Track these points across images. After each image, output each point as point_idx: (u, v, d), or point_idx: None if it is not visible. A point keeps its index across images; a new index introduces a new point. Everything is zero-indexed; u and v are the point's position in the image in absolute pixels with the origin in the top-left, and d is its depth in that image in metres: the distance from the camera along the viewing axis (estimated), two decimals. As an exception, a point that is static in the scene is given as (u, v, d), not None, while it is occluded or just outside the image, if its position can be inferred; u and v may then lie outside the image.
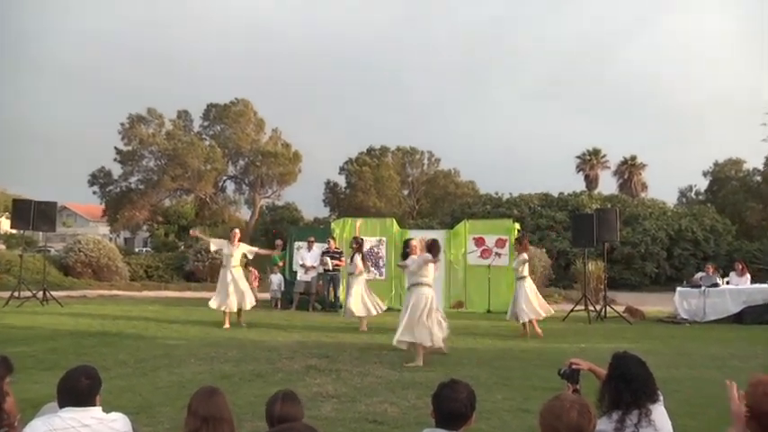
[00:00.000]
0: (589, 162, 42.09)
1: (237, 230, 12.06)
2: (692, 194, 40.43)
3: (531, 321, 10.60)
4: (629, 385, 3.06)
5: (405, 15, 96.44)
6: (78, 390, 2.87)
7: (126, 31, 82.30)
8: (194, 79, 77.41)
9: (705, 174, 39.01)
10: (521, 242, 11.27)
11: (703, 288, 13.18)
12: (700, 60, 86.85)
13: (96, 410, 2.90)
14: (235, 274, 11.37)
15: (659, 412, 3.11)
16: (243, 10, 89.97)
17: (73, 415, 2.81)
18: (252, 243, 34.95)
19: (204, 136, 38.81)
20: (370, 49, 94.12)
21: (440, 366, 7.61)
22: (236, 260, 11.52)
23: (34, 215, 14.77)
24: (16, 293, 14.06)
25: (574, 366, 3.49)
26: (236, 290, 11.26)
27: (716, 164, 38.12)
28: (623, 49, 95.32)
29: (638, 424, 2.98)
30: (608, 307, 13.68)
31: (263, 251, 13.18)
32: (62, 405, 2.88)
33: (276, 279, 15.62)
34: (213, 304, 11.31)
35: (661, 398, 3.21)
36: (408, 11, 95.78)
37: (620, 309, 14.10)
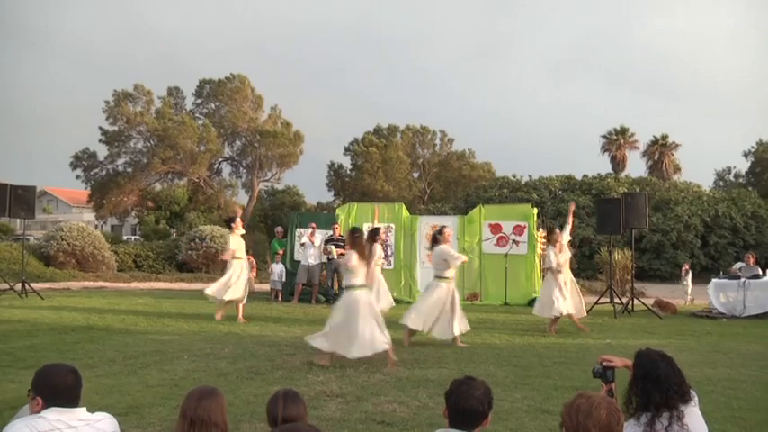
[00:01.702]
0: (616, 142, 41.84)
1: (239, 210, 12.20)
2: (731, 177, 40.29)
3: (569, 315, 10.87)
4: (657, 385, 3.04)
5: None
6: (64, 389, 2.87)
7: None
8: (185, 53, 77.34)
9: (746, 154, 38.85)
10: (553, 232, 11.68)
11: (743, 280, 13.10)
12: (739, 30, 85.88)
13: (82, 411, 2.91)
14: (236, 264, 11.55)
15: (693, 415, 3.08)
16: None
17: (59, 416, 2.81)
18: (249, 230, 35.20)
19: (197, 115, 38.77)
20: (379, 20, 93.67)
21: (453, 363, 7.64)
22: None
23: (11, 200, 14.76)
24: (-8, 286, 14.20)
25: (605, 364, 3.48)
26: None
27: (759, 143, 37.87)
28: (653, 20, 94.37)
29: (669, 427, 2.97)
30: (636, 300, 13.67)
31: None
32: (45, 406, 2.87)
33: (277, 269, 15.68)
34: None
35: (695, 398, 3.19)
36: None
37: (649, 302, 14.07)
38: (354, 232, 8.01)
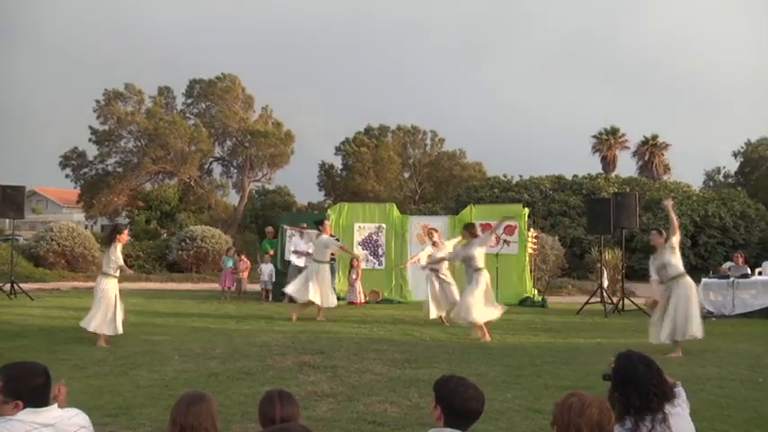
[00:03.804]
0: (606, 142, 41.98)
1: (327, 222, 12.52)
2: (721, 177, 40.47)
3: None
4: (636, 389, 3.04)
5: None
6: (40, 390, 2.89)
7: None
8: (176, 52, 77.08)
9: (735, 154, 39.08)
10: (470, 229, 10.33)
11: (732, 279, 13.17)
12: (730, 30, 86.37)
13: (54, 408, 2.93)
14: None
15: (678, 416, 3.11)
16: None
17: (34, 417, 2.82)
18: (240, 230, 35.04)
19: (188, 114, 38.59)
20: (369, 20, 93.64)
21: (444, 363, 7.63)
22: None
23: (1, 200, 14.78)
24: (-20, 286, 14.16)
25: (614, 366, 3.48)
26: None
27: (748, 143, 38.12)
28: (644, 19, 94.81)
29: (653, 430, 2.99)
30: (626, 299, 13.70)
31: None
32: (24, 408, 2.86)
33: (267, 269, 15.64)
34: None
35: (682, 397, 3.21)
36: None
37: (640, 301, 14.12)
38: None
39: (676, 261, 8.73)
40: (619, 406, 3.08)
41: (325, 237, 11.85)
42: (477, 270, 9.80)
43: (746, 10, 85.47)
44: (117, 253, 9.08)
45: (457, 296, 10.56)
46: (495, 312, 9.83)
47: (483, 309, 9.63)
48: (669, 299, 8.60)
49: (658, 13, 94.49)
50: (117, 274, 9.17)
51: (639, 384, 3.06)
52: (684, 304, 8.49)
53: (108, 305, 8.90)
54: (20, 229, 22.39)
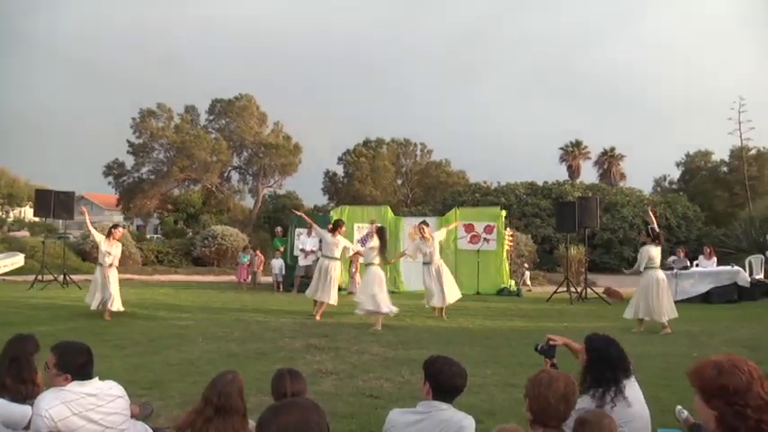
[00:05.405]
0: (571, 153, 42.10)
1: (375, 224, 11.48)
2: (666, 183, 40.60)
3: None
4: (609, 365, 3.14)
5: (398, 15, 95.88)
6: (84, 366, 3.07)
7: (136, 29, 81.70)
8: (201, 76, 76.89)
9: (678, 164, 39.24)
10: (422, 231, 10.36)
11: (675, 270, 13.24)
12: (675, 58, 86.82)
13: (96, 381, 3.10)
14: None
15: (632, 387, 3.18)
16: (246, 11, 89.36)
17: (80, 388, 3.01)
18: (255, 230, 34.89)
19: (210, 129, 38.59)
20: (366, 47, 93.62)
21: (433, 344, 7.61)
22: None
23: (54, 204, 14.83)
24: (40, 277, 14.23)
25: (551, 342, 3.53)
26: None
27: (687, 155, 38.33)
28: (603, 47, 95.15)
29: (615, 399, 3.05)
30: (588, 289, 13.74)
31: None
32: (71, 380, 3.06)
33: (277, 263, 15.61)
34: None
35: (632, 372, 3.27)
36: (401, 11, 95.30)
37: (600, 290, 14.16)
38: None
39: (652, 256, 9.35)
40: (590, 380, 3.13)
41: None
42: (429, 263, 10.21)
43: (687, 45, 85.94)
44: (103, 248, 9.78)
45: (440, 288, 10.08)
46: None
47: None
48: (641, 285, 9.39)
49: (613, 45, 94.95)
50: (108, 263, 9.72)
51: (612, 362, 3.14)
52: (648, 292, 9.20)
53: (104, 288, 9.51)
54: (70, 229, 22.36)
